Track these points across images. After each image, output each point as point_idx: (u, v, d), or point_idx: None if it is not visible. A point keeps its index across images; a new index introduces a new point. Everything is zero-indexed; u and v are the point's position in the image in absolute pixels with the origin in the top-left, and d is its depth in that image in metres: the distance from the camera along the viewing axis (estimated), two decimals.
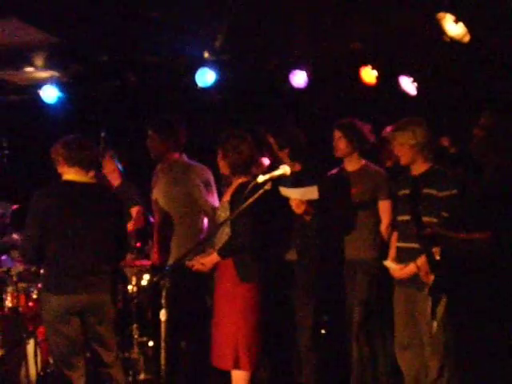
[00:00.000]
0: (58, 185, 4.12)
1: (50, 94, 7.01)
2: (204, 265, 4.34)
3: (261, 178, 3.56)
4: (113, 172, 5.72)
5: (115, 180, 5.72)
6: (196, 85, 6.30)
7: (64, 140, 4.12)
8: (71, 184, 4.08)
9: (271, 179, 3.57)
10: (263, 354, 4.30)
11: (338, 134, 4.83)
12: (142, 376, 5.30)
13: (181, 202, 4.88)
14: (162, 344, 3.36)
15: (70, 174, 4.09)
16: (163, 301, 3.34)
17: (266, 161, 5.20)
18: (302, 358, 4.65)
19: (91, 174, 4.18)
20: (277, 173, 3.62)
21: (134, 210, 5.40)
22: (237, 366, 4.17)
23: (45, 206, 4.00)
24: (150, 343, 5.43)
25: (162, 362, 3.38)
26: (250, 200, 3.53)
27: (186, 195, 4.87)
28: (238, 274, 4.22)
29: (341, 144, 4.83)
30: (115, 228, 4.13)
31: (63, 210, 4.00)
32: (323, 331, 4.97)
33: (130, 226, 5.28)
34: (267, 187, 3.55)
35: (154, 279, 3.42)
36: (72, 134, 4.15)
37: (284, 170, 3.63)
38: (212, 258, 4.31)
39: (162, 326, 3.34)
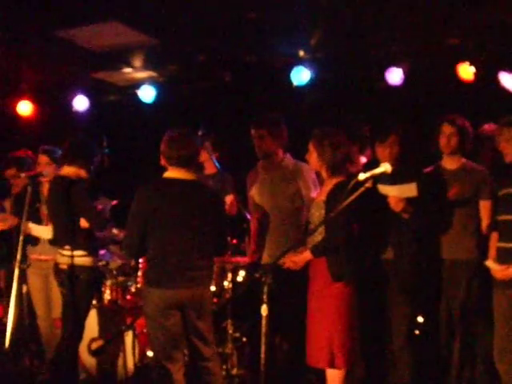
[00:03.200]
0: (159, 181, 4.16)
1: (147, 93, 7.20)
2: (296, 263, 4.32)
3: (362, 176, 3.54)
4: (208, 161, 5.78)
5: (211, 169, 5.78)
6: (291, 83, 6.33)
7: (166, 136, 4.14)
8: (171, 181, 4.11)
9: (372, 177, 3.55)
10: (358, 353, 4.26)
11: (450, 129, 4.63)
12: (235, 371, 5.35)
13: (287, 199, 4.87)
14: (263, 339, 3.38)
15: (171, 171, 4.13)
16: (264, 296, 3.36)
17: (362, 159, 5.17)
18: (396, 358, 4.59)
19: (192, 170, 4.18)
20: (378, 170, 3.58)
21: (229, 199, 5.46)
22: (331, 365, 4.16)
23: (146, 202, 4.06)
24: (244, 339, 5.50)
25: (262, 356, 3.40)
26: (351, 197, 3.51)
27: (294, 193, 4.86)
28: (330, 273, 4.19)
29: (453, 140, 4.64)
30: (214, 224, 4.14)
31: (163, 207, 4.04)
32: (417, 332, 4.89)
33: None
34: (368, 185, 3.52)
35: (256, 275, 3.42)
36: (177, 129, 4.15)
37: (385, 167, 3.60)
38: (305, 256, 4.29)
39: (263, 321, 3.37)
